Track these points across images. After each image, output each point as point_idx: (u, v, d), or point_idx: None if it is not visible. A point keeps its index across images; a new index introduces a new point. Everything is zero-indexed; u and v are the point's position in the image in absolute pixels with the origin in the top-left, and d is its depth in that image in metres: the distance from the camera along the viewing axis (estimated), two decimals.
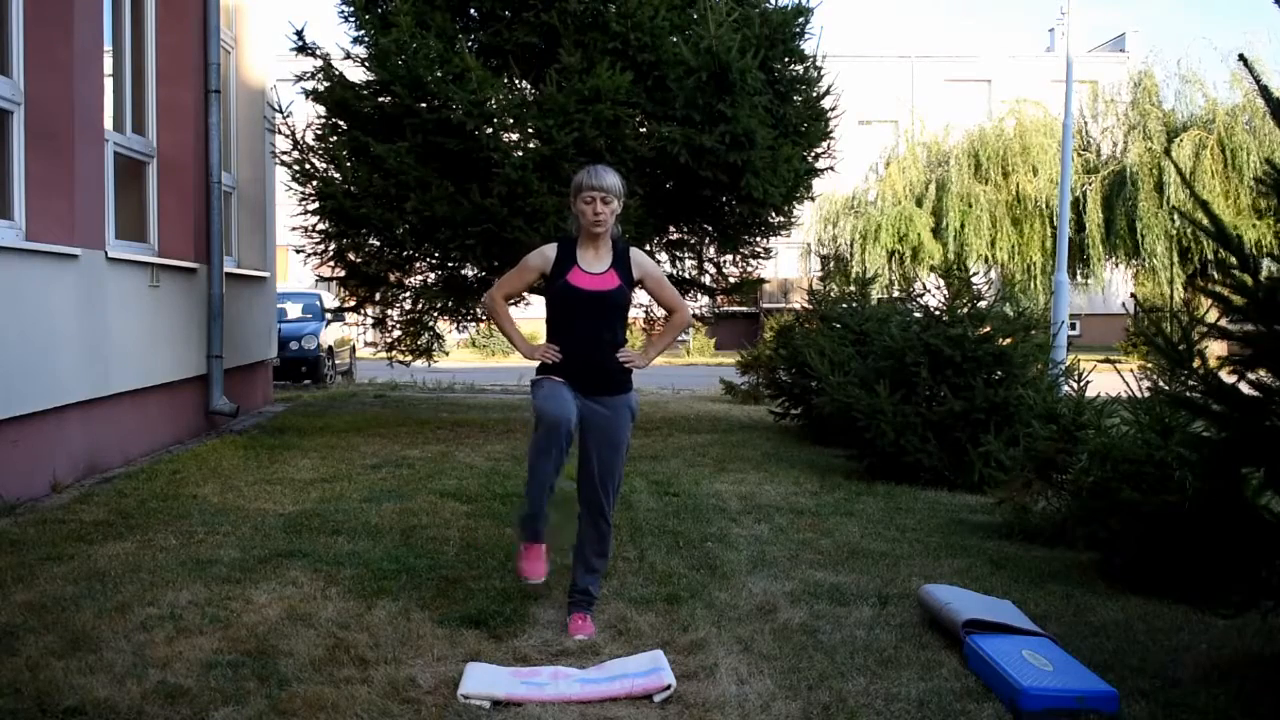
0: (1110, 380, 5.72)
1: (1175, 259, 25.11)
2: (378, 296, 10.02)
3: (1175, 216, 24.32)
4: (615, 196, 3.91)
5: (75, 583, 4.20)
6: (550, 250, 4.01)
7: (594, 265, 3.93)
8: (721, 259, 10.96)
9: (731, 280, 11.10)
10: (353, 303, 10.42)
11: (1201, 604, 4.13)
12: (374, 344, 11.35)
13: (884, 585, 4.50)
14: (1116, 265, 27.24)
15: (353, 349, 19.13)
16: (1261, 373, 3.29)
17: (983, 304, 7.28)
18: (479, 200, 7.97)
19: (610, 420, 3.94)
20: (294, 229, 9.49)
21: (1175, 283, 25.19)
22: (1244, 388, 3.31)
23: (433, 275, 9.76)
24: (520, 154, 8.25)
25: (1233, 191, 23.88)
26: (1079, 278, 26.34)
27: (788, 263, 32.91)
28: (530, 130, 8.34)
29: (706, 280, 11.01)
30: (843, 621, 3.99)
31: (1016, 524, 5.56)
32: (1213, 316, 3.60)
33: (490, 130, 8.11)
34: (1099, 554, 4.83)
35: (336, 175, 8.72)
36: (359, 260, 9.60)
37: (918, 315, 7.59)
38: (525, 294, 4.30)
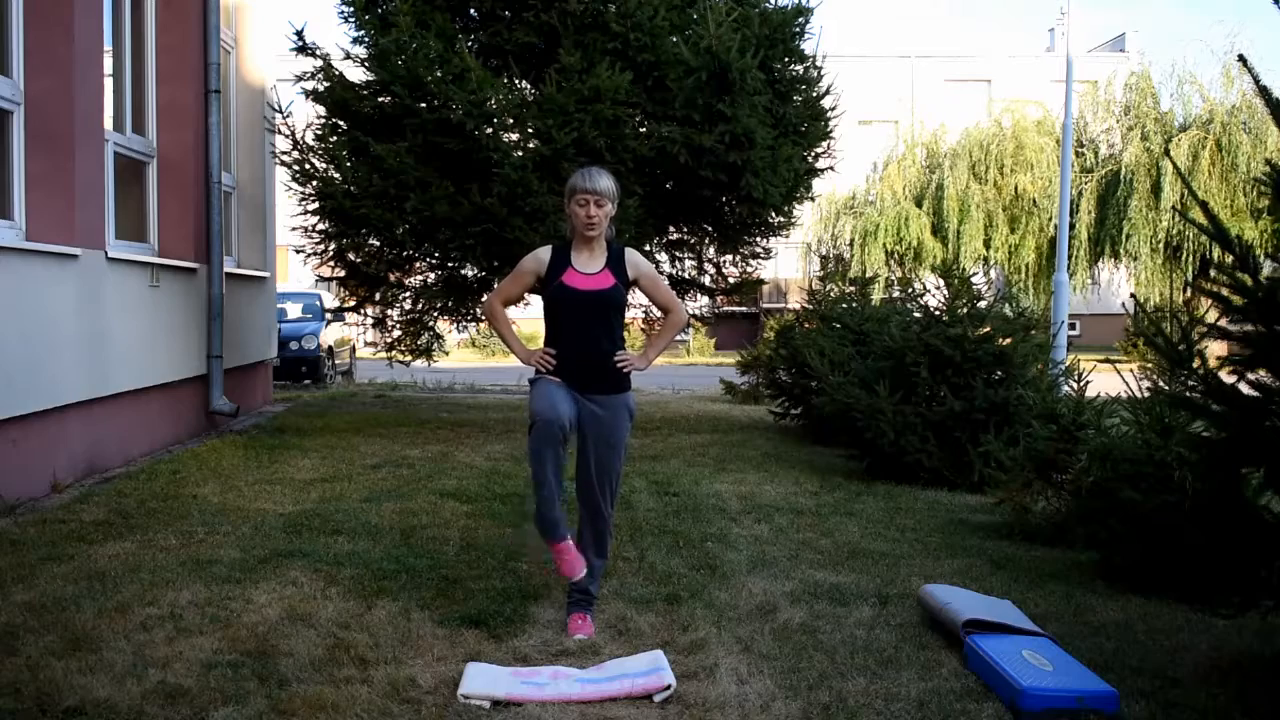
0: (1110, 380, 5.72)
1: (1161, 260, 25.12)
2: (378, 296, 10.03)
3: (1167, 216, 24.33)
4: (609, 199, 3.91)
5: (75, 583, 4.20)
6: (544, 253, 4.02)
7: (588, 266, 3.94)
8: (721, 259, 10.96)
9: (731, 280, 11.10)
10: (353, 303, 10.42)
11: (1201, 604, 4.13)
12: (374, 344, 11.36)
13: (884, 585, 4.49)
14: (1104, 266, 27.28)
15: (353, 349, 19.14)
16: (1261, 373, 3.29)
17: (982, 304, 7.28)
18: (479, 200, 7.97)
19: (607, 420, 3.94)
20: (294, 229, 9.49)
21: (1157, 284, 25.19)
22: (1244, 388, 3.31)
23: (433, 275, 9.76)
24: (520, 154, 8.25)
25: (1230, 192, 23.88)
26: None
27: (787, 263, 32.92)
28: (530, 130, 8.34)
29: (706, 280, 11.01)
30: (843, 621, 3.99)
31: (1016, 524, 5.56)
32: (1212, 316, 3.60)
33: (490, 130, 8.11)
34: (1099, 554, 4.82)
35: (336, 175, 8.72)
36: (359, 260, 9.60)
37: (917, 315, 7.59)
38: (525, 295, 4.31)
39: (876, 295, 13.95)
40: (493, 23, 8.88)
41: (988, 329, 7.17)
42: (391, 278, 9.86)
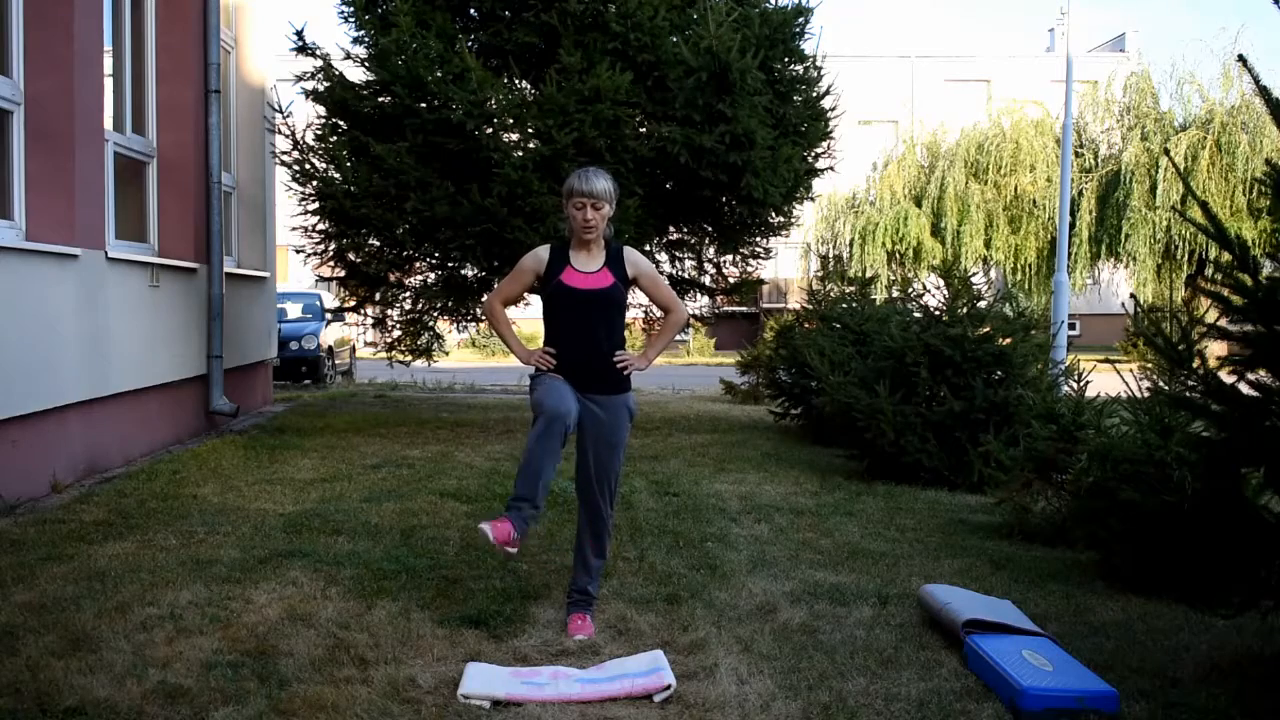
0: (1110, 380, 5.72)
1: (1159, 260, 25.15)
2: (378, 296, 10.03)
3: (1167, 216, 24.35)
4: (606, 201, 3.90)
5: (75, 583, 4.20)
6: (544, 252, 4.01)
7: (587, 265, 3.94)
8: (721, 259, 10.96)
9: (731, 280, 11.10)
10: (353, 303, 10.42)
11: (1201, 604, 4.13)
12: (374, 344, 11.36)
13: (884, 585, 4.49)
14: (1104, 266, 27.31)
15: (353, 349, 19.14)
16: (1261, 373, 3.29)
17: (982, 304, 7.28)
18: (479, 200, 7.97)
19: (607, 420, 3.94)
20: (294, 229, 9.49)
21: (1153, 283, 25.22)
22: (1244, 388, 3.31)
23: (433, 275, 9.76)
24: (520, 154, 8.25)
25: (1230, 192, 23.89)
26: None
27: (787, 263, 32.93)
28: (530, 130, 8.35)
29: (706, 280, 11.01)
30: (843, 621, 3.99)
31: (1016, 524, 5.56)
32: (1212, 316, 3.60)
33: (490, 130, 8.11)
34: (1099, 554, 4.82)
35: (336, 175, 8.72)
36: (359, 260, 9.60)
37: (917, 315, 7.59)
38: (525, 294, 4.30)
39: (879, 295, 13.97)
40: (493, 23, 8.88)
41: (988, 329, 7.17)
42: (391, 278, 9.86)
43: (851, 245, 28.42)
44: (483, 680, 3.27)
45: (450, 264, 9.32)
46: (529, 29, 8.59)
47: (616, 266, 3.95)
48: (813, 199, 12.02)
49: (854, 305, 10.10)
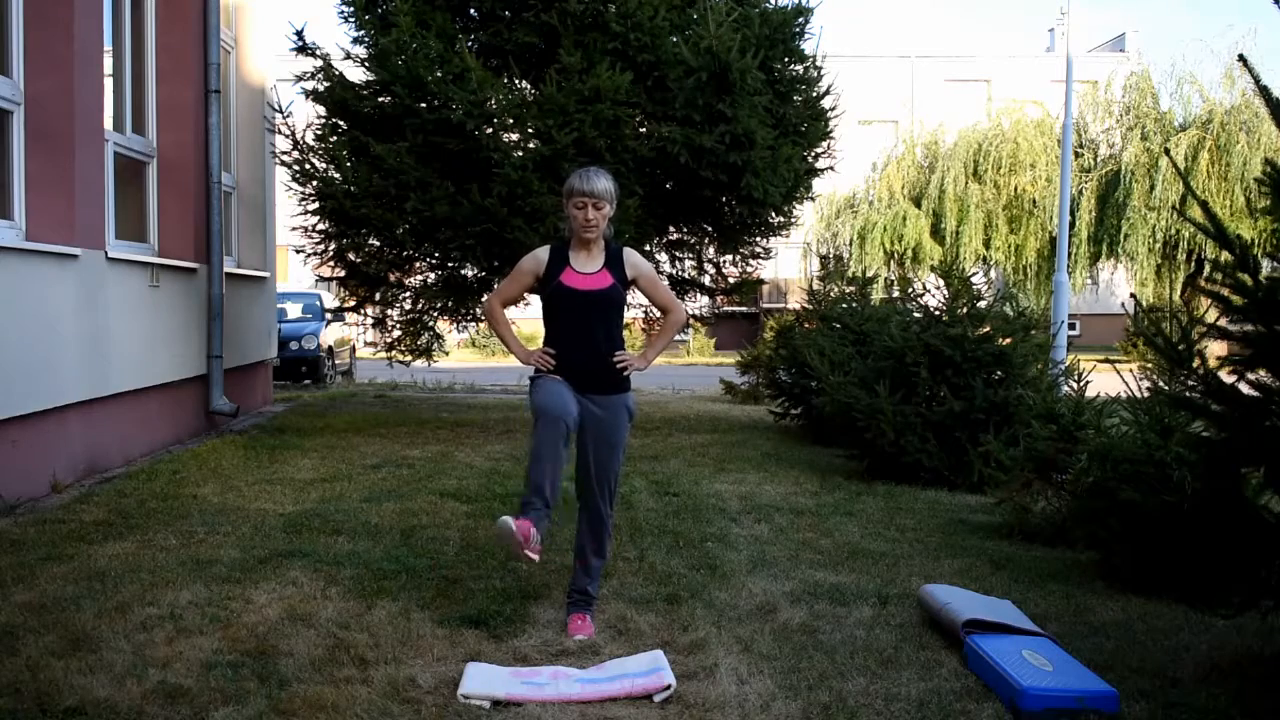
0: (1110, 380, 5.72)
1: (1159, 260, 25.18)
2: (378, 296, 10.03)
3: (1166, 216, 24.36)
4: (607, 201, 3.91)
5: (75, 583, 4.20)
6: (543, 253, 4.02)
7: (586, 265, 3.94)
8: (721, 259, 10.96)
9: (731, 280, 11.11)
10: (353, 303, 10.42)
11: (1201, 604, 4.13)
12: (374, 344, 11.36)
13: (884, 585, 4.49)
14: (1104, 266, 27.32)
15: (353, 349, 19.14)
16: (1261, 373, 3.29)
17: (982, 304, 7.28)
18: (479, 200, 7.97)
19: (607, 420, 3.94)
20: (294, 229, 9.49)
21: (1153, 283, 25.26)
22: (1244, 388, 3.31)
23: (433, 275, 9.77)
24: (520, 154, 8.25)
25: (1229, 192, 23.89)
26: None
27: (787, 263, 32.93)
28: (530, 130, 8.35)
29: (706, 280, 11.01)
30: (843, 621, 3.99)
31: (1016, 524, 5.56)
32: (1212, 316, 3.60)
33: (490, 130, 8.11)
34: (1099, 554, 4.82)
35: (336, 175, 8.72)
36: (359, 260, 9.60)
37: (917, 315, 7.59)
38: (525, 295, 4.30)
39: (876, 296, 13.97)
40: (493, 23, 8.88)
41: (988, 329, 7.17)
42: (391, 278, 9.87)
43: (851, 245, 28.42)
44: (483, 680, 3.27)
45: (450, 264, 9.32)
46: (529, 29, 8.59)
47: (616, 267, 3.96)
48: (812, 199, 12.02)
49: (854, 305, 10.10)
